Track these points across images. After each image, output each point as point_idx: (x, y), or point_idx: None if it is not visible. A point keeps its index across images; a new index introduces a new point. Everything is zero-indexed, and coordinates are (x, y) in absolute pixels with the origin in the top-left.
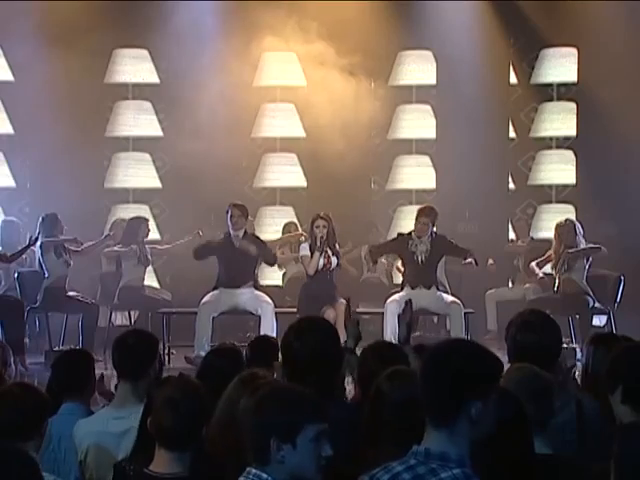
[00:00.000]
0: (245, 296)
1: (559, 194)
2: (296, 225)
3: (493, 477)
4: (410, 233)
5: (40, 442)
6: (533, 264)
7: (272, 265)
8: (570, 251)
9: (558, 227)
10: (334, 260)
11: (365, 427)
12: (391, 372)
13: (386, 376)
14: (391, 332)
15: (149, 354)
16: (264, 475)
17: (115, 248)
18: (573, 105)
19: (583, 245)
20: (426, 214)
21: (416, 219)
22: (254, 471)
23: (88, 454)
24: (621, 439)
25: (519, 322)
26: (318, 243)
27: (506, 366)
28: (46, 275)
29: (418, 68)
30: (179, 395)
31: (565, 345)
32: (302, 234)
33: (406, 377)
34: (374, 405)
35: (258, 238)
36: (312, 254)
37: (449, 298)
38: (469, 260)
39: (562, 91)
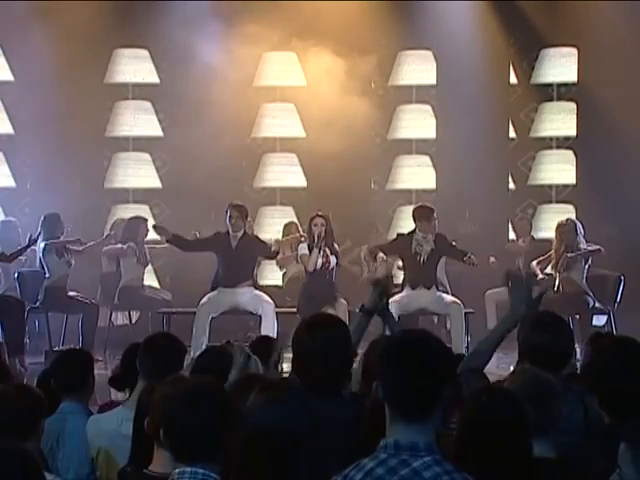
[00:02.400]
0: (245, 296)
1: (559, 194)
2: (297, 225)
3: (492, 478)
4: (411, 233)
5: (37, 442)
6: (533, 263)
7: (273, 258)
8: (570, 255)
9: (559, 227)
10: (333, 259)
11: (368, 424)
12: None
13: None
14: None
15: (177, 359)
16: (201, 471)
17: (114, 246)
18: (573, 105)
19: (583, 245)
20: (431, 212)
21: (424, 219)
22: (190, 469)
23: (99, 454)
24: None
25: (533, 322)
26: (316, 240)
27: (511, 366)
28: (47, 275)
29: (418, 68)
30: (175, 393)
31: None
32: (302, 235)
33: None
34: (375, 403)
35: (257, 238)
36: (310, 252)
37: (449, 298)
38: (469, 259)
39: (562, 91)
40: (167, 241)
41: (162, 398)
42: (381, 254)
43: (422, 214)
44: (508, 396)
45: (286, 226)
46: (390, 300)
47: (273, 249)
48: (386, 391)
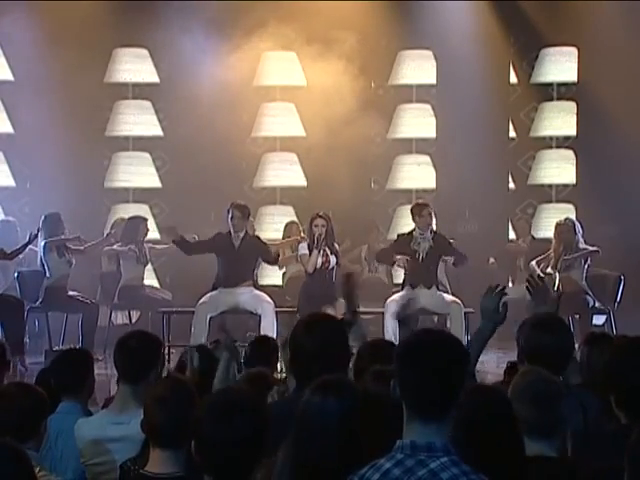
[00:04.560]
0: (245, 296)
1: (559, 194)
2: (298, 225)
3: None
4: (410, 232)
5: (39, 441)
6: (533, 263)
7: (273, 264)
8: (567, 257)
9: (558, 226)
10: (332, 259)
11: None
12: (374, 372)
13: (370, 376)
14: (392, 331)
15: (151, 357)
16: None
17: (115, 247)
18: (573, 105)
19: (582, 244)
20: (424, 206)
21: (418, 214)
22: None
23: (85, 457)
24: (628, 441)
25: (533, 323)
26: (316, 242)
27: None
28: (47, 274)
29: (418, 67)
30: (169, 394)
31: None
32: (302, 237)
33: (388, 377)
34: (367, 402)
35: (259, 239)
36: (310, 253)
37: (449, 298)
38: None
39: (562, 91)
40: (173, 241)
41: (198, 411)
42: (398, 257)
43: (415, 210)
44: (499, 394)
45: (287, 226)
46: (390, 299)
47: (273, 250)
48: (403, 391)
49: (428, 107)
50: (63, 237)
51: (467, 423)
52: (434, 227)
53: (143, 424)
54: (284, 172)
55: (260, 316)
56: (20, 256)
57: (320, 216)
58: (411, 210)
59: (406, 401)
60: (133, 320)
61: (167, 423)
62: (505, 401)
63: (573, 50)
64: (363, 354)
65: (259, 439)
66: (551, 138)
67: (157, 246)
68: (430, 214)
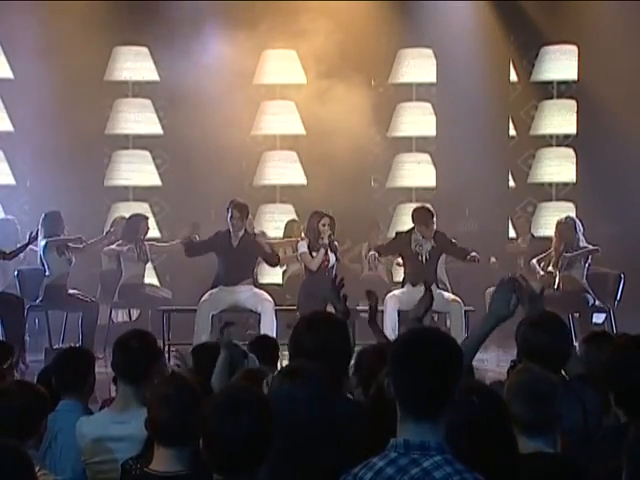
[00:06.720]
0: (245, 294)
1: (559, 192)
2: (299, 224)
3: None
4: (409, 232)
5: (39, 440)
6: (534, 261)
7: (274, 266)
8: (567, 255)
9: (558, 225)
10: (332, 257)
11: (371, 426)
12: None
13: (386, 373)
14: (391, 328)
15: (152, 356)
16: None
17: (114, 247)
18: (573, 103)
19: (583, 242)
20: (430, 217)
21: (424, 224)
22: None
23: (86, 456)
24: (627, 438)
25: (531, 322)
26: (327, 241)
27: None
28: (47, 273)
29: (418, 66)
30: (173, 391)
31: None
32: (302, 238)
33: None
34: (376, 403)
35: (259, 239)
36: (311, 251)
37: (449, 296)
38: (472, 257)
39: (562, 89)
40: (182, 240)
41: (205, 407)
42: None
43: (421, 219)
44: (494, 396)
45: (287, 224)
46: (389, 295)
47: (273, 250)
48: (397, 389)
49: (428, 105)
50: (65, 238)
51: (462, 423)
52: (434, 226)
53: (147, 422)
54: (284, 170)
55: (260, 314)
56: (21, 256)
57: (327, 215)
58: (414, 215)
59: (400, 400)
60: (133, 318)
61: (171, 421)
62: (500, 402)
63: (573, 48)
64: (365, 352)
65: (265, 436)
66: (551, 136)
67: (157, 244)
68: (434, 222)
